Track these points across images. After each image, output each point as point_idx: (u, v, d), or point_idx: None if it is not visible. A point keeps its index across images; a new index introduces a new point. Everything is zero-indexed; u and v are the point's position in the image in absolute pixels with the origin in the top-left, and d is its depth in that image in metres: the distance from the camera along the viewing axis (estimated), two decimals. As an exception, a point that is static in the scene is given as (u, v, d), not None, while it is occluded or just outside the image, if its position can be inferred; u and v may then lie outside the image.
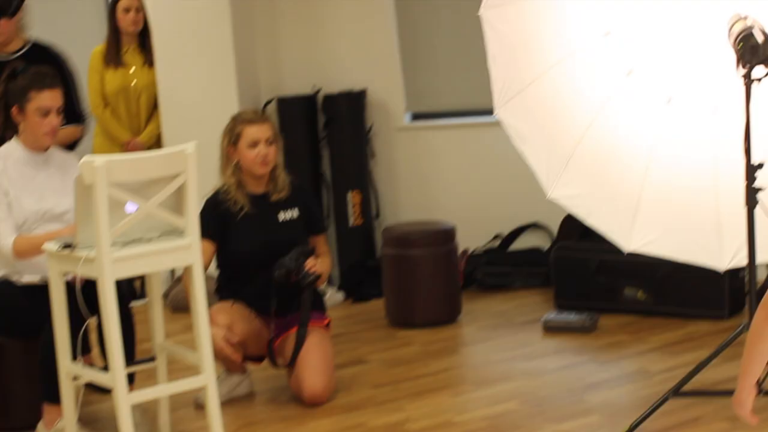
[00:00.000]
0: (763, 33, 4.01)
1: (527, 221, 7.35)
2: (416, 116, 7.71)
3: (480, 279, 7.16)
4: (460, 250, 7.10)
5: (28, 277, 4.80)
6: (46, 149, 4.93)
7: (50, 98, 4.81)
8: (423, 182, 7.60)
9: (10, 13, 4.06)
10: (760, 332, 2.86)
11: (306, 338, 5.15)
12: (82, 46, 7.47)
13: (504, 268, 7.18)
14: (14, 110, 4.84)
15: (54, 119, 4.83)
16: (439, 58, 7.50)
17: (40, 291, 4.62)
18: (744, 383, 2.91)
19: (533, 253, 7.25)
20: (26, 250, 4.70)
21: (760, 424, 3.01)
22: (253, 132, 5.17)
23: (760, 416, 3.02)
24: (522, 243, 7.41)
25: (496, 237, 7.45)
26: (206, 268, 5.13)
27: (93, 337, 4.27)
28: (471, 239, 7.35)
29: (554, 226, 7.07)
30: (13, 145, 4.90)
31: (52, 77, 4.87)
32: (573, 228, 6.57)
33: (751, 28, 4.04)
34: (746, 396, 2.92)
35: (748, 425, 3.00)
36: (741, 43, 4.03)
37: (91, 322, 4.27)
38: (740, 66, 4.09)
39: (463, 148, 7.44)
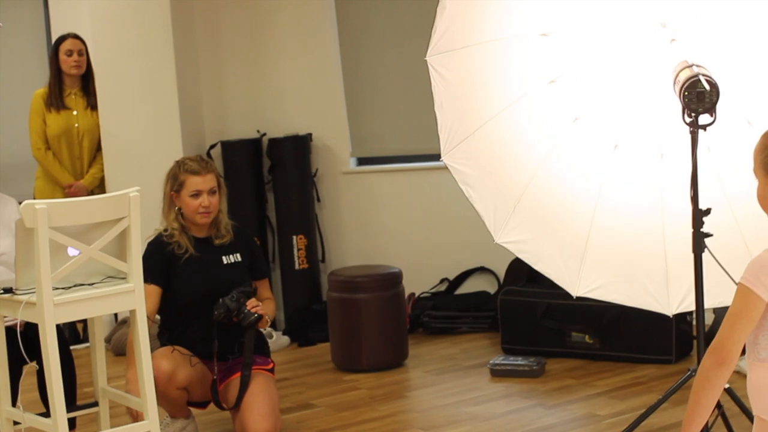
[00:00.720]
0: (709, 81, 4.03)
1: (474, 265, 7.35)
2: (362, 161, 7.72)
3: (426, 323, 7.15)
4: (407, 293, 7.10)
5: None
6: None
7: None
8: (369, 226, 7.60)
9: None
10: (707, 378, 2.86)
11: (250, 382, 5.09)
12: (23, 88, 7.45)
13: (450, 312, 7.18)
14: None
15: None
16: (384, 102, 7.52)
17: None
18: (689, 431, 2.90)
19: (480, 296, 7.25)
20: None
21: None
22: (197, 183, 5.13)
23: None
24: (469, 287, 7.42)
25: (443, 281, 7.45)
26: (154, 313, 5.08)
27: None
28: (418, 283, 7.36)
29: (501, 270, 7.09)
30: None
31: None
32: (520, 272, 6.59)
33: (697, 75, 4.06)
34: None
35: None
36: (687, 92, 4.05)
37: (30, 366, 4.21)
38: (686, 114, 4.11)
39: (409, 192, 7.45)
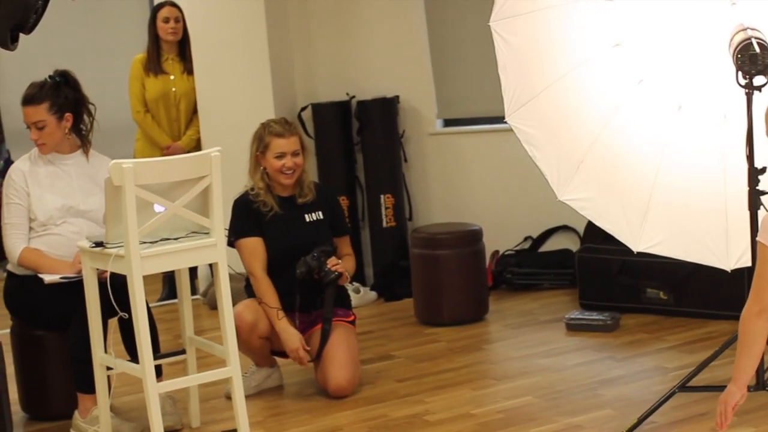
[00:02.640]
0: (761, 44, 4.16)
1: (557, 224, 7.52)
2: (447, 122, 7.92)
3: (509, 279, 7.36)
4: (491, 251, 7.31)
5: (49, 278, 5.01)
6: (70, 151, 5.25)
7: (26, 114, 5.17)
8: (454, 186, 7.80)
9: (28, 28, 4.28)
10: (751, 331, 3.05)
11: (331, 334, 5.37)
12: (124, 54, 7.75)
13: (533, 269, 7.37)
14: None
15: (33, 133, 5.17)
16: (469, 65, 7.68)
17: (64, 288, 4.91)
18: (739, 381, 3.08)
19: (562, 254, 7.43)
20: (27, 264, 5.07)
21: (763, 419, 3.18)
22: (281, 145, 5.40)
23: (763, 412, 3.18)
24: (552, 245, 7.59)
25: (526, 239, 7.63)
26: (267, 263, 5.38)
27: None
28: (502, 241, 7.54)
29: (583, 229, 7.24)
30: None
31: (29, 95, 5.19)
32: (597, 230, 6.72)
33: (749, 38, 4.19)
34: (735, 394, 3.09)
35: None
36: (740, 54, 4.19)
37: (113, 321, 4.53)
38: (740, 76, 4.25)
39: (493, 153, 7.62)
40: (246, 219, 5.36)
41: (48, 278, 4.95)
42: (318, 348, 5.37)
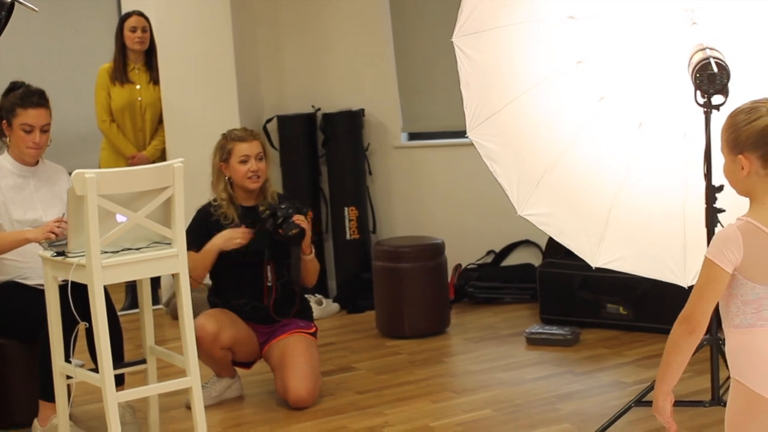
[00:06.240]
0: (719, 63, 4.22)
1: (519, 238, 7.57)
2: (412, 136, 7.97)
3: (471, 293, 7.40)
4: (453, 264, 7.36)
5: (37, 281, 5.01)
6: (35, 163, 5.21)
7: (35, 116, 5.10)
8: (418, 199, 7.85)
9: None
10: (678, 345, 3.10)
11: (292, 345, 5.40)
12: (90, 63, 7.76)
13: (494, 283, 7.42)
14: (4, 124, 5.15)
15: (37, 136, 5.11)
16: (434, 79, 7.74)
17: (39, 296, 4.87)
18: (660, 390, 3.15)
19: (523, 268, 7.49)
20: None
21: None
22: (244, 148, 5.43)
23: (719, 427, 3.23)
24: (514, 259, 7.64)
25: (489, 253, 7.68)
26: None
27: None
28: (464, 255, 7.59)
29: (545, 244, 7.29)
30: (4, 158, 5.21)
31: (40, 96, 5.15)
32: (559, 245, 6.77)
33: (708, 58, 4.25)
34: (662, 402, 3.16)
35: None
36: (698, 73, 4.25)
37: (81, 326, 4.53)
38: (698, 94, 4.32)
39: (457, 168, 7.67)
40: (195, 232, 5.31)
41: (35, 281, 4.96)
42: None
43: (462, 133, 7.65)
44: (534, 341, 6.33)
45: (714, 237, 3.11)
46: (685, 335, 3.08)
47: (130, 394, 4.62)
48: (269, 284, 5.41)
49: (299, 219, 5.33)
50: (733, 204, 4.35)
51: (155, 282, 7.39)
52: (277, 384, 5.46)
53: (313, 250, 5.53)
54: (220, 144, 5.52)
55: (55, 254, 4.46)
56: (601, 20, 4.70)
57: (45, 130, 5.14)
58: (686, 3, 4.58)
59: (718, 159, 4.33)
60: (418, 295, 6.66)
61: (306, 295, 5.83)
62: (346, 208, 7.69)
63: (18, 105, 5.10)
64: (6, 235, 4.99)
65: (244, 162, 5.43)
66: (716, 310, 3.15)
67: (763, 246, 2.99)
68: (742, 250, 2.99)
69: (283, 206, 5.34)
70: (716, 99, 4.31)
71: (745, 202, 3.12)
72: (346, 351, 6.46)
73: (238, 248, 5.35)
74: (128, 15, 7.47)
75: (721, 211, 4.40)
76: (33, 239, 4.82)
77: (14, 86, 5.19)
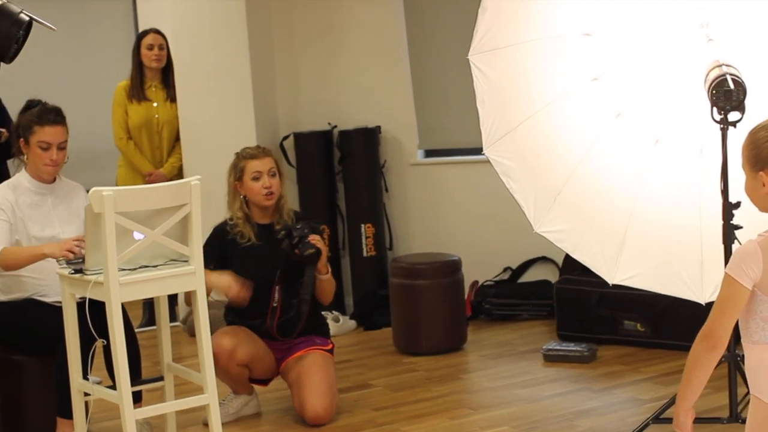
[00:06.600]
0: (735, 80, 4.22)
1: (535, 255, 7.56)
2: (429, 153, 7.98)
3: (488, 310, 7.40)
4: (470, 281, 7.35)
5: (55, 298, 5.03)
6: (52, 180, 5.23)
7: (52, 134, 5.12)
8: (435, 216, 7.85)
9: (9, 57, 4.29)
10: (699, 361, 3.10)
11: (309, 362, 5.40)
12: (107, 80, 7.79)
13: (511, 299, 7.42)
14: (21, 142, 5.17)
15: (54, 153, 5.13)
16: (451, 96, 7.74)
17: (55, 312, 4.89)
18: (681, 406, 3.15)
19: (540, 285, 7.48)
20: (9, 263, 4.97)
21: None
22: (256, 165, 5.46)
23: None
24: (531, 276, 7.63)
25: (506, 269, 7.68)
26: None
27: None
28: (481, 271, 7.58)
29: (561, 260, 7.28)
30: (22, 175, 5.23)
31: (56, 114, 5.17)
32: (576, 262, 6.77)
33: (724, 74, 4.26)
34: (684, 418, 3.15)
35: None
36: (715, 90, 4.26)
37: (98, 344, 4.54)
38: (715, 111, 4.32)
39: (473, 184, 7.67)
40: (209, 250, 5.28)
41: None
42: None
43: (478, 150, 7.70)
44: (551, 358, 6.32)
45: (734, 253, 3.11)
46: (706, 351, 3.08)
47: (148, 411, 4.64)
48: (274, 305, 5.41)
49: (315, 239, 5.33)
50: (749, 221, 4.41)
51: (172, 299, 7.40)
52: (295, 401, 5.46)
53: (330, 270, 5.52)
54: (233, 163, 5.55)
55: (72, 271, 4.48)
56: (616, 37, 4.71)
57: (62, 147, 5.16)
58: (701, 17, 4.58)
59: (735, 175, 4.39)
60: (435, 311, 6.66)
61: (323, 312, 5.82)
62: (362, 225, 7.69)
63: (35, 122, 5.12)
64: (23, 250, 5.01)
65: (256, 179, 5.45)
66: (735, 326, 3.14)
67: (783, 262, 2.99)
68: (761, 266, 2.99)
69: (298, 226, 5.35)
70: (733, 115, 4.32)
71: (763, 218, 3.14)
72: (363, 368, 6.46)
73: (249, 268, 5.36)
74: (145, 33, 7.50)
75: (738, 227, 4.40)
76: (50, 254, 4.83)
77: (31, 104, 5.22)
